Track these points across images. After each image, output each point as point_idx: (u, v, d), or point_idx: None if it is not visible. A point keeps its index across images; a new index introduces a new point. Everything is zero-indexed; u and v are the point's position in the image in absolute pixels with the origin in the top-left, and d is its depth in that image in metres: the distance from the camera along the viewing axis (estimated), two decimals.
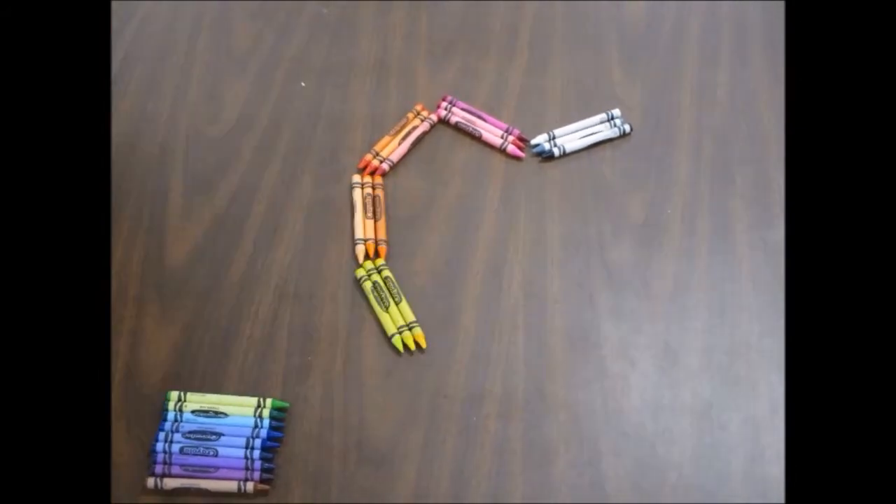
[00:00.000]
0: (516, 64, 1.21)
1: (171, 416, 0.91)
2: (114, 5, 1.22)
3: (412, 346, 0.97)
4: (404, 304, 0.99)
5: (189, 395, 0.92)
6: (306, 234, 1.05)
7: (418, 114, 1.15)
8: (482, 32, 1.25)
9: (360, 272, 1.01)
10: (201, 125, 1.15)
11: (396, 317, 0.98)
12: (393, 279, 1.00)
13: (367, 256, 1.02)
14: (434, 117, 1.14)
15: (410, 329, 0.97)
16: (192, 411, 0.91)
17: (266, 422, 0.91)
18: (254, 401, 0.92)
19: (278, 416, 0.92)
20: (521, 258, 1.03)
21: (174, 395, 0.92)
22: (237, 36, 1.25)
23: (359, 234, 1.04)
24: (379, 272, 1.01)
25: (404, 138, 1.12)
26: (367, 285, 1.00)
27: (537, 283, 1.01)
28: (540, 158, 1.11)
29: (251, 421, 0.91)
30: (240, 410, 0.92)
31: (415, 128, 1.13)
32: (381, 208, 1.06)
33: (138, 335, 0.97)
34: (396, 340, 0.96)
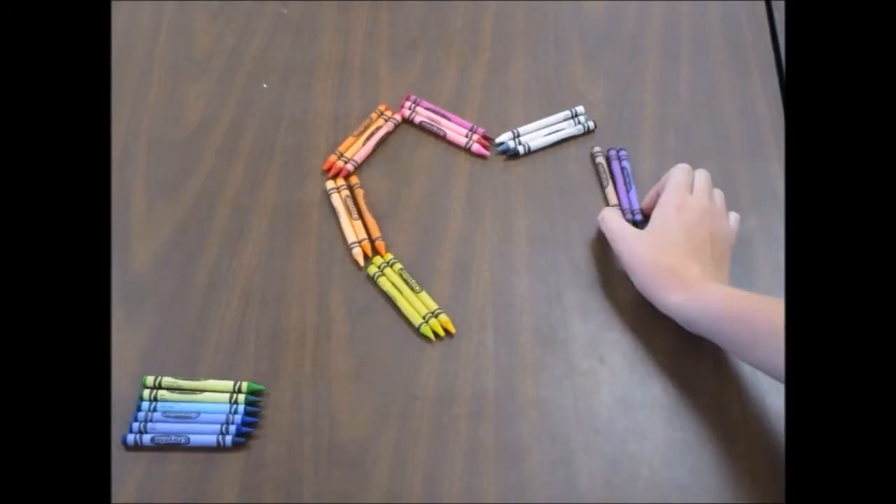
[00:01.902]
0: (479, 62, 1.21)
1: (144, 405, 0.91)
2: None
3: (441, 333, 0.97)
4: (424, 294, 0.99)
5: (164, 380, 0.93)
6: (272, 237, 1.04)
7: (382, 113, 1.14)
8: (444, 30, 1.24)
9: (372, 269, 1.01)
10: (162, 128, 1.14)
11: (419, 306, 0.98)
12: (407, 271, 1.00)
13: (366, 257, 1.02)
14: (398, 117, 1.14)
15: (436, 316, 0.97)
16: (167, 400, 0.92)
17: (241, 407, 0.91)
18: (229, 384, 0.93)
19: (254, 400, 0.92)
20: (488, 257, 1.03)
21: (150, 379, 0.93)
22: (197, 38, 1.24)
23: (350, 238, 1.03)
24: (391, 266, 1.01)
25: (368, 139, 1.11)
26: (384, 280, 1.00)
27: (505, 281, 1.01)
28: (505, 157, 1.11)
29: (226, 407, 0.91)
30: (214, 397, 0.92)
31: (378, 128, 1.12)
32: (363, 207, 1.06)
33: None
34: (425, 329, 0.96)
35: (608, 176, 1.09)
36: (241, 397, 0.92)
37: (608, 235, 1.00)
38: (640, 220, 1.05)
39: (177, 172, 1.10)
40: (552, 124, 1.13)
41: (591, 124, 1.13)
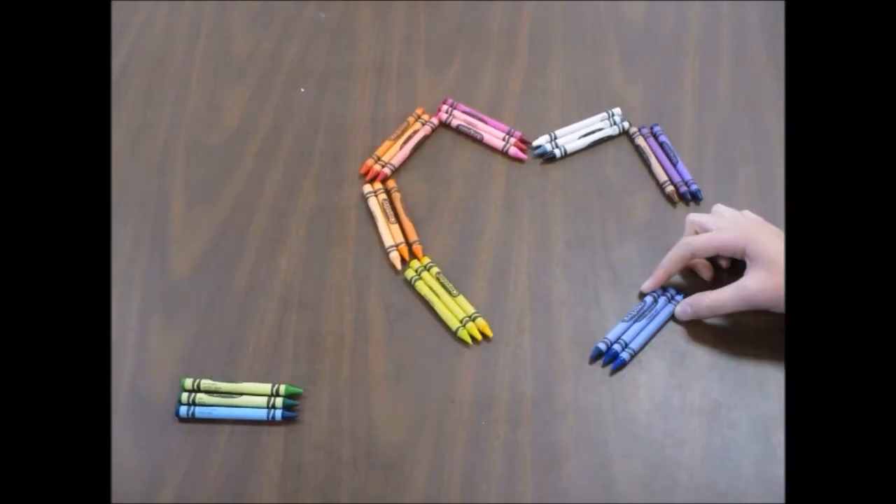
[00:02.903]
0: (516, 65, 1.21)
1: (182, 410, 0.91)
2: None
3: (479, 337, 0.96)
4: (461, 298, 0.99)
5: (203, 383, 0.93)
6: (309, 241, 1.05)
7: (419, 117, 1.14)
8: (481, 34, 1.24)
9: (410, 272, 1.01)
10: (201, 133, 1.15)
11: (456, 310, 0.98)
12: (444, 275, 1.00)
13: (403, 261, 1.02)
14: (435, 121, 1.14)
15: (474, 320, 0.97)
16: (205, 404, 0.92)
17: (279, 412, 0.91)
18: (267, 387, 0.93)
19: (291, 403, 0.92)
20: (525, 260, 1.03)
21: (188, 382, 0.93)
22: (235, 43, 1.25)
23: (388, 241, 1.03)
24: (428, 269, 1.01)
25: (405, 142, 1.11)
26: (421, 284, 1.00)
27: (543, 285, 1.01)
28: (542, 160, 1.11)
29: (264, 413, 0.91)
30: (252, 400, 0.92)
31: (416, 132, 1.13)
32: (400, 210, 1.05)
33: (143, 348, 0.96)
34: (463, 333, 0.96)
35: (650, 154, 1.10)
36: (279, 400, 0.92)
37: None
38: (696, 190, 1.06)
39: (215, 177, 1.10)
40: (588, 126, 1.13)
41: (626, 124, 1.12)
